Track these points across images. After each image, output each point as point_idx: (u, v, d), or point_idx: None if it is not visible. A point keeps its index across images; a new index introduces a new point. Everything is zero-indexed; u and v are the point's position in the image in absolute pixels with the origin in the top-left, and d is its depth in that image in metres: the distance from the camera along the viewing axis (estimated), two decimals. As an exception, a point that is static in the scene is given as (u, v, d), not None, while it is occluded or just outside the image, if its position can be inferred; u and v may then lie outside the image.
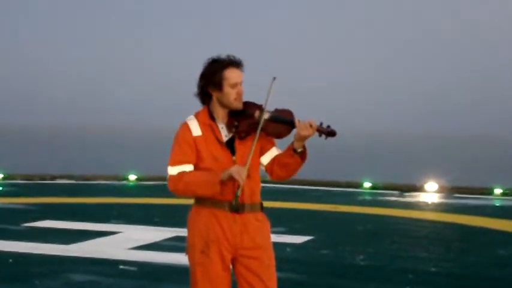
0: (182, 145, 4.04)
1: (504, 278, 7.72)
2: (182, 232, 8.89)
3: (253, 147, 4.00)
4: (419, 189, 16.93)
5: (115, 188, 16.93)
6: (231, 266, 4.07)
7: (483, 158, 51.28)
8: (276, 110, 4.02)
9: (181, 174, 3.99)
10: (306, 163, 4.06)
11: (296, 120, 3.95)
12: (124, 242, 9.24)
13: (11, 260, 8.01)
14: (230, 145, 4.05)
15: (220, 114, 4.08)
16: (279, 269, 4.17)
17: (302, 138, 3.94)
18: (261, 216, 4.12)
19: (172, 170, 4.02)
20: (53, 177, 18.54)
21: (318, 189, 17.23)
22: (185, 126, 4.06)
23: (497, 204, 14.96)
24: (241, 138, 4.05)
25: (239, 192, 3.95)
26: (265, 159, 4.12)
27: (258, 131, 3.99)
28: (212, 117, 4.08)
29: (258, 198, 4.11)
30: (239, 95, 4.03)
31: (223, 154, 4.02)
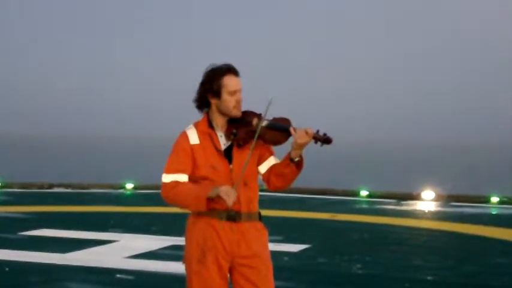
0: (179, 153, 4.05)
1: (501, 286, 7.72)
2: (179, 241, 8.90)
3: (250, 155, 4.01)
4: (416, 197, 16.92)
5: (112, 196, 16.92)
6: (228, 275, 4.06)
7: (480, 166, 51.32)
8: (274, 118, 4.05)
9: (175, 183, 4.00)
10: (302, 172, 4.06)
11: (292, 128, 3.97)
12: (121, 251, 9.23)
13: (7, 269, 7.99)
14: (228, 153, 4.06)
15: (220, 122, 4.09)
16: (275, 277, 4.16)
17: (299, 146, 3.95)
18: (259, 225, 4.11)
19: (167, 178, 4.03)
20: (50, 186, 18.53)
21: (314, 197, 17.21)
22: (183, 135, 4.07)
23: (494, 213, 14.95)
24: (239, 146, 4.05)
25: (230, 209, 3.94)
26: (263, 168, 4.12)
27: (255, 138, 4.00)
28: (211, 126, 4.09)
29: (255, 207, 4.10)
30: (238, 102, 4.04)
31: (220, 162, 4.03)
